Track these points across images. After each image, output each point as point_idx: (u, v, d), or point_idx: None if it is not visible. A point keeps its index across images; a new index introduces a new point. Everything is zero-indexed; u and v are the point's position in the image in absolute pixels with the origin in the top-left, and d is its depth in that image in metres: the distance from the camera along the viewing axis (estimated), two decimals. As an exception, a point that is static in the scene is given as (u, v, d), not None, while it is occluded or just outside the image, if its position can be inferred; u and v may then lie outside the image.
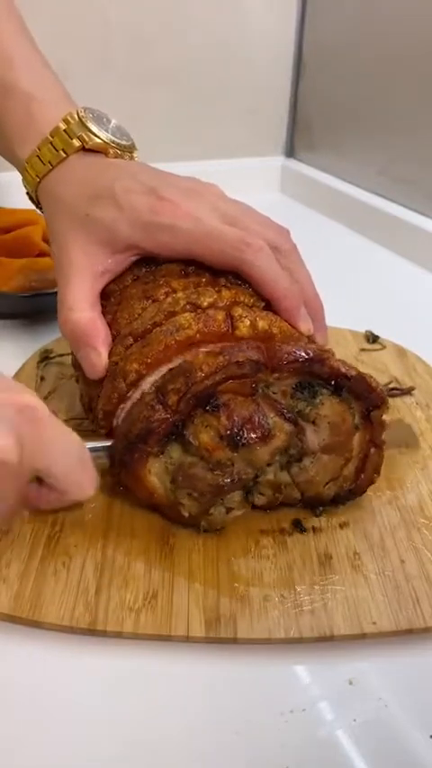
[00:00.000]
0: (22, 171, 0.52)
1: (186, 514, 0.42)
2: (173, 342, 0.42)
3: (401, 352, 0.68)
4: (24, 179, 0.52)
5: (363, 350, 0.69)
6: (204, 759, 0.34)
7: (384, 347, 0.69)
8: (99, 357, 0.45)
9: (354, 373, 0.43)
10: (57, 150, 0.50)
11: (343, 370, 0.42)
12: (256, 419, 0.40)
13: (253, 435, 0.40)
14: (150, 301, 0.46)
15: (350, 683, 0.38)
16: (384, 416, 0.45)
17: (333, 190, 1.11)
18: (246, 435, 0.40)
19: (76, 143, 0.49)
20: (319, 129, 1.19)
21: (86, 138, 0.49)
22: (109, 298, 0.49)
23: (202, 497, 0.41)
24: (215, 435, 0.40)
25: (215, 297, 0.45)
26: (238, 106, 1.17)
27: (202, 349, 0.42)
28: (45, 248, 0.75)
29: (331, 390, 0.43)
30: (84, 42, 1.00)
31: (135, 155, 0.53)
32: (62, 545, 0.44)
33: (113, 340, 0.46)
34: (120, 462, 0.43)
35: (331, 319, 0.71)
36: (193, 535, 0.45)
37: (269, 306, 0.47)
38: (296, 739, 0.35)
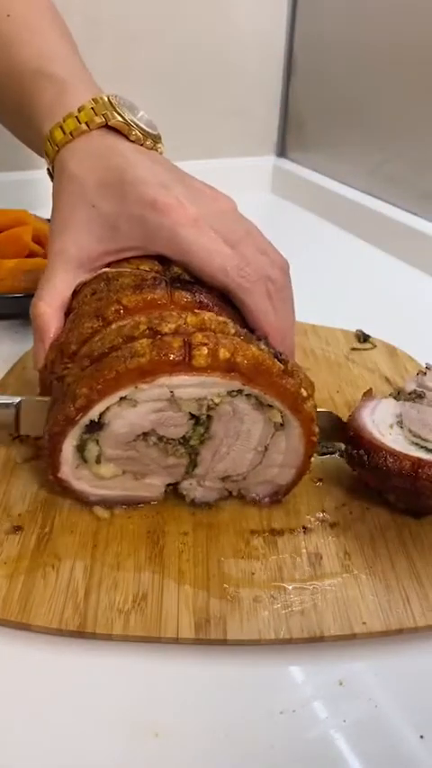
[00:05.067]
0: (44, 143, 0.51)
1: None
2: (123, 369, 0.40)
3: (392, 352, 0.68)
4: (45, 151, 0.52)
5: (353, 349, 0.69)
6: (194, 760, 0.34)
7: (375, 346, 0.69)
8: (42, 353, 0.46)
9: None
10: (80, 123, 0.49)
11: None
12: None
13: None
14: (101, 320, 0.44)
15: (340, 683, 0.38)
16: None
17: (324, 190, 1.11)
18: None
19: (99, 119, 0.49)
20: (311, 129, 1.19)
21: (110, 116, 0.49)
22: (68, 315, 0.48)
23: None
24: None
25: (179, 322, 0.42)
26: (229, 106, 1.17)
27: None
28: (35, 248, 0.74)
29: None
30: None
31: (160, 146, 0.52)
32: (51, 547, 0.44)
33: (61, 356, 0.45)
34: None
35: (322, 319, 0.72)
36: (183, 536, 0.45)
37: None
38: (286, 740, 0.35)
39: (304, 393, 0.43)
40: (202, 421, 0.43)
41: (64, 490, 0.46)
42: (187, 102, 1.12)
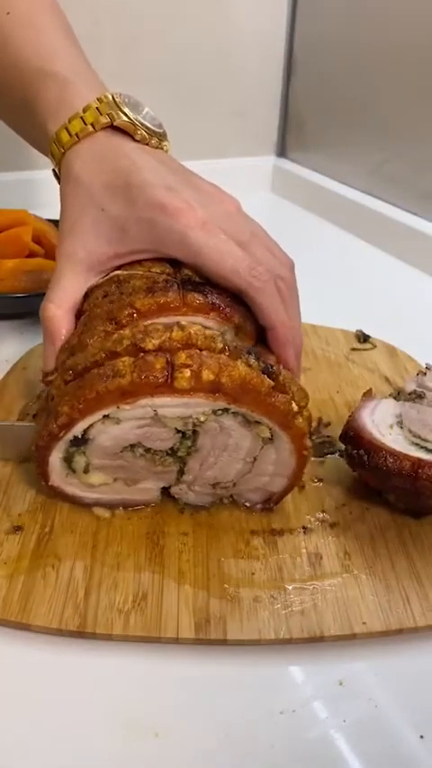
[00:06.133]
0: (50, 144, 0.51)
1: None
2: (104, 390, 0.40)
3: (392, 352, 0.68)
4: (51, 153, 0.52)
5: (353, 349, 0.69)
6: (194, 760, 0.34)
7: (375, 346, 0.69)
8: (52, 355, 0.46)
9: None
10: (86, 124, 0.49)
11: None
12: None
13: None
14: (114, 324, 0.44)
15: (340, 683, 0.38)
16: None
17: (325, 190, 1.11)
18: None
19: (105, 120, 0.49)
20: (311, 129, 1.19)
21: (115, 116, 0.49)
22: (80, 317, 0.48)
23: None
24: None
25: (163, 338, 0.41)
26: (229, 106, 1.17)
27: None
28: (35, 249, 0.74)
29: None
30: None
31: (165, 144, 0.52)
32: (51, 547, 0.44)
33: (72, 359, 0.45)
34: None
35: (322, 319, 0.72)
36: (183, 536, 0.45)
37: (262, 335, 0.46)
38: (286, 740, 0.35)
39: (295, 408, 0.42)
40: (188, 435, 0.43)
41: (57, 495, 0.46)
42: (187, 102, 1.12)
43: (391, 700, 0.37)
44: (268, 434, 0.43)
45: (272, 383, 0.41)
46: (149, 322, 0.43)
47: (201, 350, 0.41)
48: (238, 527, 0.46)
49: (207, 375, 0.39)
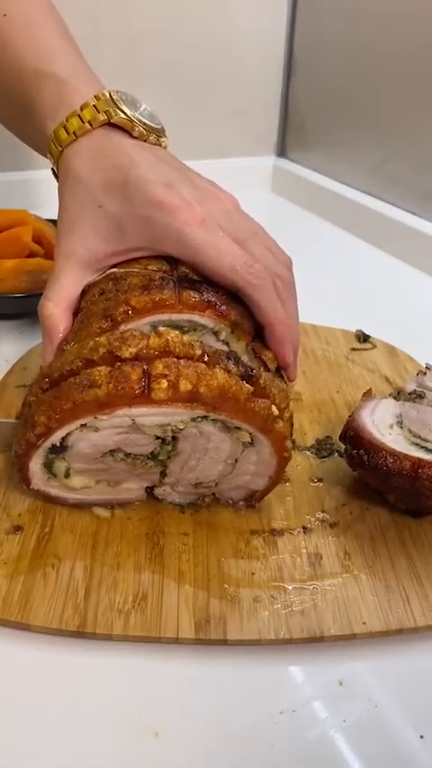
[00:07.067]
0: (49, 143, 0.51)
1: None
2: (80, 400, 0.39)
3: (392, 352, 0.68)
4: (49, 152, 0.52)
5: (353, 349, 0.69)
6: (194, 760, 0.34)
7: (375, 346, 0.69)
8: (50, 353, 0.46)
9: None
10: (83, 122, 0.49)
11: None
12: None
13: None
14: (109, 321, 0.44)
15: (340, 683, 0.38)
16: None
17: (325, 189, 1.11)
18: None
19: (102, 117, 0.49)
20: (311, 129, 1.19)
21: (112, 113, 0.49)
22: (77, 314, 0.48)
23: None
24: None
25: (140, 345, 0.40)
26: (229, 106, 1.17)
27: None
28: (35, 248, 0.74)
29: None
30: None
31: (164, 140, 0.52)
32: (51, 547, 0.44)
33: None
34: None
35: (322, 319, 0.72)
36: (183, 536, 0.45)
37: (260, 333, 0.46)
38: (286, 740, 0.35)
39: (275, 412, 0.41)
40: (168, 441, 0.43)
41: (41, 497, 0.46)
42: (187, 102, 1.12)
43: (391, 700, 0.37)
44: (248, 439, 0.43)
45: (251, 389, 0.41)
46: (126, 328, 0.43)
47: (179, 357, 0.40)
48: (238, 527, 0.46)
49: (185, 385, 0.39)
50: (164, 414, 0.40)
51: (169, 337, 0.40)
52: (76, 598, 0.40)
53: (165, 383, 0.39)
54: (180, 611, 0.40)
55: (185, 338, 0.41)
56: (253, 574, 0.43)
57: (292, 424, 0.44)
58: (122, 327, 0.43)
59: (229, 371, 0.40)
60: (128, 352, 0.39)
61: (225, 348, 0.43)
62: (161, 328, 0.41)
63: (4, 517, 0.46)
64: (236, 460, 0.44)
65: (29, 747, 0.34)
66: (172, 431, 0.42)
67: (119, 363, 0.39)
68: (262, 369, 0.43)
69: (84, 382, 0.39)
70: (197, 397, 0.39)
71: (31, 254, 0.74)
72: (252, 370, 0.42)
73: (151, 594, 0.41)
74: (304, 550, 0.44)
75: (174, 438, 0.43)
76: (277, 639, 0.39)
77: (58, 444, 0.42)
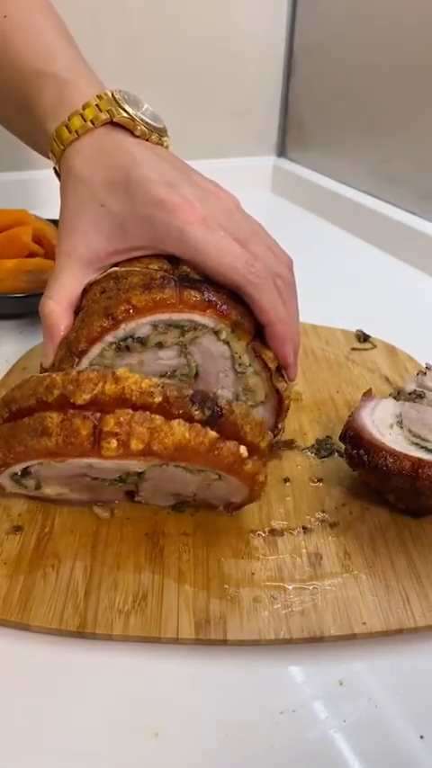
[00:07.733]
0: (50, 142, 0.51)
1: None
2: (32, 447, 0.38)
3: (392, 351, 0.68)
4: (51, 151, 0.52)
5: (354, 349, 0.69)
6: (194, 760, 0.34)
7: (375, 346, 0.69)
8: (51, 351, 0.46)
9: None
10: (85, 121, 0.49)
11: None
12: None
13: None
14: (110, 320, 0.43)
15: (340, 683, 0.38)
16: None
17: (324, 189, 1.11)
18: None
19: (104, 116, 0.49)
20: (311, 129, 1.19)
21: (115, 112, 0.49)
22: (78, 313, 0.47)
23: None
24: None
25: (95, 391, 0.38)
26: (229, 106, 1.17)
27: None
28: (35, 248, 0.74)
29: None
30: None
31: (165, 140, 0.52)
32: (51, 547, 0.44)
33: (69, 354, 0.45)
34: None
35: (322, 319, 0.72)
36: (183, 536, 0.45)
37: (260, 332, 0.46)
38: (286, 740, 0.35)
39: (244, 454, 0.40)
40: (132, 474, 0.43)
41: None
42: (187, 102, 1.12)
43: (391, 700, 0.37)
44: (216, 476, 0.42)
45: (215, 436, 0.39)
46: (82, 368, 0.43)
47: (135, 407, 0.38)
48: (237, 527, 0.46)
49: (135, 445, 0.37)
50: (118, 465, 0.40)
51: (126, 384, 0.38)
52: (76, 598, 0.40)
53: (114, 443, 0.37)
54: (180, 611, 0.40)
55: (145, 384, 0.39)
56: (253, 574, 0.43)
57: (270, 450, 0.43)
58: (123, 326, 0.43)
59: (192, 417, 0.38)
60: (81, 398, 0.38)
61: (190, 391, 0.39)
62: (121, 370, 0.39)
63: (4, 517, 0.46)
64: (208, 486, 0.44)
65: (29, 747, 0.34)
66: (132, 472, 0.42)
67: (71, 411, 0.38)
68: (233, 404, 0.40)
69: (37, 427, 0.38)
70: (150, 453, 0.38)
71: (31, 254, 0.74)
72: (221, 411, 0.39)
73: (151, 595, 0.41)
74: (304, 550, 0.44)
75: (139, 474, 0.42)
76: (277, 639, 0.39)
77: (18, 473, 0.42)
